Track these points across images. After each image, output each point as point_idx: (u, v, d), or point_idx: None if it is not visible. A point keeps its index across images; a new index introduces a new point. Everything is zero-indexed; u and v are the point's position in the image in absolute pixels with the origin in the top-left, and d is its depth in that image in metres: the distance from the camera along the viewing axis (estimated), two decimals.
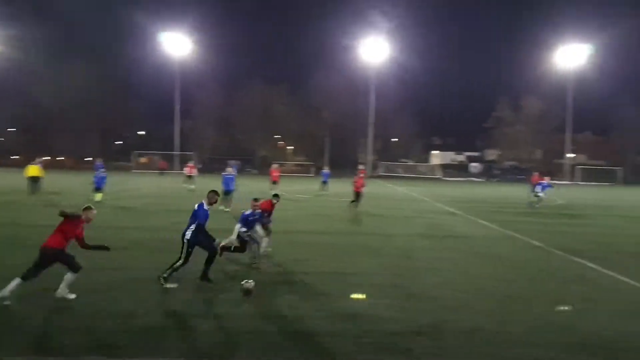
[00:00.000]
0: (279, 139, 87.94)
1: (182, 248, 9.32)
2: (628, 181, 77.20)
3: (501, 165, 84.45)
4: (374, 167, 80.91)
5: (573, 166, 79.28)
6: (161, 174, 55.29)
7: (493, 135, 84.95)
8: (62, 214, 8.25)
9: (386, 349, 6.79)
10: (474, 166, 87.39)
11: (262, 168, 75.84)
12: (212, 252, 9.61)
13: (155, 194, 29.84)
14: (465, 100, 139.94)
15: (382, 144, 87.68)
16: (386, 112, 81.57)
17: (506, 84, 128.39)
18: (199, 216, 9.43)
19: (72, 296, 8.30)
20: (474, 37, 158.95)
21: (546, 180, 29.30)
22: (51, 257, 8.09)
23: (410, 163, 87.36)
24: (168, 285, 9.14)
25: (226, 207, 21.41)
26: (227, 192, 22.35)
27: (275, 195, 13.69)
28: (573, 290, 10.04)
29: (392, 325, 7.64)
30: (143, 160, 77.77)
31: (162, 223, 17.02)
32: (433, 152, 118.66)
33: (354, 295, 9.18)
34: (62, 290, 8.27)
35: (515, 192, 45.47)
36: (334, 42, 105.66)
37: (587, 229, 19.95)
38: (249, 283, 9.04)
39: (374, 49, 74.23)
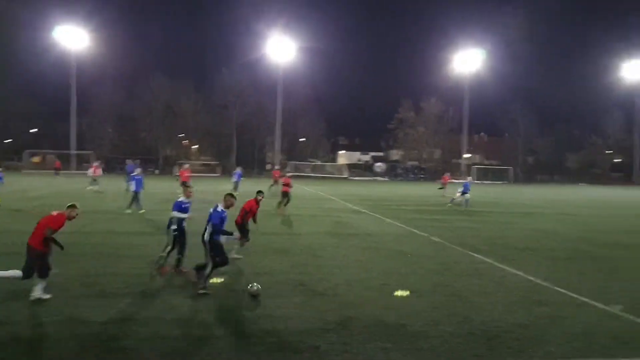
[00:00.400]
0: (183, 138, 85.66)
1: (205, 253, 9.31)
2: (518, 179, 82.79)
3: (404, 165, 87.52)
4: (282, 166, 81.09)
5: (469, 166, 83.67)
6: (56, 174, 52.12)
7: (396, 136, 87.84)
8: None
9: (293, 347, 6.82)
10: (379, 166, 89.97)
11: (165, 168, 73.63)
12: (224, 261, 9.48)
13: (51, 195, 28.06)
14: (371, 102, 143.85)
15: (290, 144, 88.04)
16: (294, 111, 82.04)
17: (409, 86, 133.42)
18: (212, 218, 9.37)
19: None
20: (379, 39, 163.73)
21: (468, 180, 31.13)
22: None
23: (318, 163, 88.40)
24: (203, 292, 9.01)
25: (130, 209, 20.61)
26: (136, 194, 21.51)
27: (260, 192, 13.19)
28: (469, 283, 10.58)
29: (299, 324, 7.68)
30: (36, 159, 72.90)
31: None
32: (340, 152, 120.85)
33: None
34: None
35: (417, 190, 47.35)
36: (241, 40, 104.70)
37: (482, 225, 21.11)
38: (255, 287, 9.00)
39: (282, 48, 74.41)
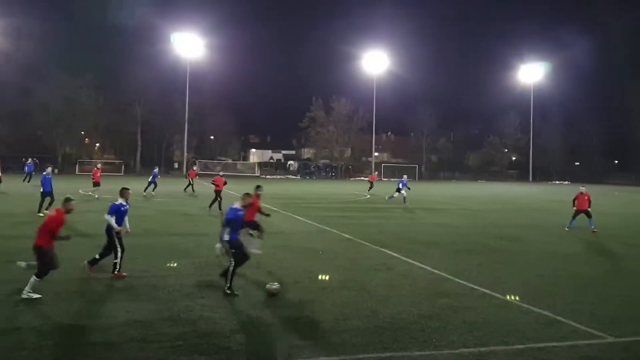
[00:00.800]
0: (84, 136, 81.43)
1: (228, 252, 9.53)
2: (423, 177, 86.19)
3: (316, 163, 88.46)
4: (190, 165, 79.38)
5: (378, 164, 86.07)
6: None
7: (308, 135, 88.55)
8: None
9: (202, 350, 6.68)
10: (291, 164, 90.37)
11: (64, 167, 69.72)
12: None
13: None
14: (283, 100, 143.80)
15: (199, 142, 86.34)
16: (202, 108, 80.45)
17: (320, 86, 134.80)
18: (227, 215, 9.70)
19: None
20: (290, 37, 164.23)
21: (404, 178, 32.18)
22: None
23: (229, 161, 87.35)
24: (234, 292, 9.10)
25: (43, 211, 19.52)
26: (46, 194, 20.31)
27: (258, 187, 13.38)
28: (377, 277, 10.87)
29: (207, 326, 7.55)
30: None
31: None
32: (251, 150, 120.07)
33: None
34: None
35: (328, 188, 48.01)
36: (147, 35, 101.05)
37: (390, 221, 21.76)
38: (274, 286, 9.08)
39: (189, 44, 72.75)
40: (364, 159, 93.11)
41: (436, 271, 11.58)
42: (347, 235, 16.66)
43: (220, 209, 22.27)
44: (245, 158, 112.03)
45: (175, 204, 27.23)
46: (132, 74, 73.19)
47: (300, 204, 29.35)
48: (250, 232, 12.12)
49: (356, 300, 9.07)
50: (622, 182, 79.26)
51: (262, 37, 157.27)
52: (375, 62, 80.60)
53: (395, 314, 8.27)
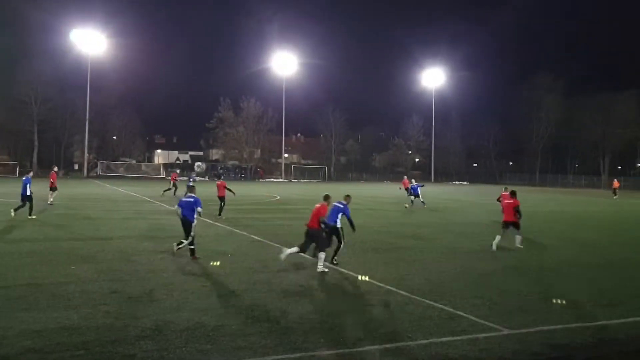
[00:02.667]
0: None
1: (337, 235, 12.65)
2: (332, 178, 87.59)
3: (224, 164, 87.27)
4: (92, 166, 75.63)
5: (288, 165, 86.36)
6: None
7: (216, 135, 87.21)
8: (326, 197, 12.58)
9: (106, 358, 6.35)
10: (199, 165, 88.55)
11: None
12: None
13: None
14: (190, 100, 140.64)
15: (100, 142, 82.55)
16: (104, 107, 77.01)
17: (229, 86, 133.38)
18: (344, 211, 12.98)
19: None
20: (197, 36, 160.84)
21: (414, 182, 32.01)
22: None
23: (133, 162, 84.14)
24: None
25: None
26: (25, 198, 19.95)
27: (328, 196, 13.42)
28: (287, 278, 10.87)
29: (111, 333, 7.19)
30: None
31: None
32: (157, 151, 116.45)
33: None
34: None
35: (237, 190, 47.41)
36: (44, 30, 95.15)
37: (300, 222, 21.82)
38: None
39: (90, 41, 69.33)
40: (273, 160, 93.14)
41: (345, 271, 11.77)
42: (256, 237, 16.55)
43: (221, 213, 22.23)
44: (150, 159, 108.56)
45: (76, 207, 25.83)
46: (27, 69, 68.63)
47: (208, 206, 28.78)
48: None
49: (265, 301, 9.01)
50: (516, 183, 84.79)
51: (168, 36, 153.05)
52: (284, 64, 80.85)
53: (305, 314, 8.30)
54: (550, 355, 6.89)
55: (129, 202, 30.35)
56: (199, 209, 13.16)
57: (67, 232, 17.28)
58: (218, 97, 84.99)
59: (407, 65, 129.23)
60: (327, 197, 13.10)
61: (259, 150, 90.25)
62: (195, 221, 12.92)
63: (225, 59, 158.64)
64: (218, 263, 12.16)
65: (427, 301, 9.32)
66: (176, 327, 7.55)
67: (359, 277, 11.08)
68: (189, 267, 11.80)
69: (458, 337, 7.44)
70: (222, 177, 26.46)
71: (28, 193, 20.00)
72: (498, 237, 15.29)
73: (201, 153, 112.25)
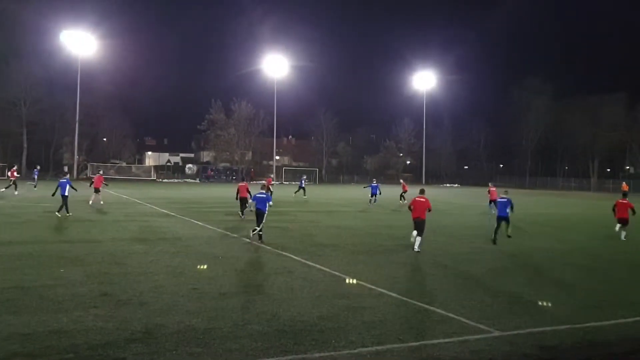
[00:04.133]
0: None
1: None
2: (324, 180, 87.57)
3: (215, 167, 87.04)
4: (82, 168, 75.16)
5: (280, 167, 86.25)
6: None
7: (207, 137, 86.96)
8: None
9: None
10: (189, 167, 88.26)
11: None
12: None
13: None
14: (181, 102, 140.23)
15: (91, 144, 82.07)
16: (95, 109, 76.57)
17: (220, 88, 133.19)
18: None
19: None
20: (188, 37, 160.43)
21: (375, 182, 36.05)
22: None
23: (123, 164, 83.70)
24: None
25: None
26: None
27: (422, 191, 17.17)
28: (278, 281, 10.85)
29: (101, 336, 7.14)
30: None
31: None
32: (147, 153, 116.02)
33: None
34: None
35: (228, 192, 47.35)
36: (33, 31, 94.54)
37: (291, 224, 21.84)
38: None
39: (80, 41, 68.92)
40: (265, 162, 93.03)
41: (336, 273, 11.77)
42: (247, 240, 16.50)
43: (243, 213, 22.82)
44: (141, 161, 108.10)
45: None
46: (16, 70, 68.12)
47: (199, 208, 28.73)
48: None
49: (256, 304, 8.99)
50: (507, 185, 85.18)
51: (159, 37, 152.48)
52: (275, 66, 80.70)
53: (296, 317, 8.29)
54: (539, 357, 6.92)
55: (119, 203, 30.18)
56: (270, 202, 17.26)
57: (57, 234, 17.17)
58: (209, 99, 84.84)
59: (398, 68, 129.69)
60: (422, 192, 16.89)
61: (250, 153, 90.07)
62: (266, 212, 16.53)
63: (216, 61, 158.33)
64: (205, 267, 12.14)
65: (419, 303, 9.34)
66: (167, 330, 7.51)
67: (347, 280, 11.09)
68: (179, 269, 11.75)
69: (449, 339, 7.46)
70: (244, 180, 26.25)
71: (66, 193, 21.85)
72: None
73: (192, 155, 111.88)
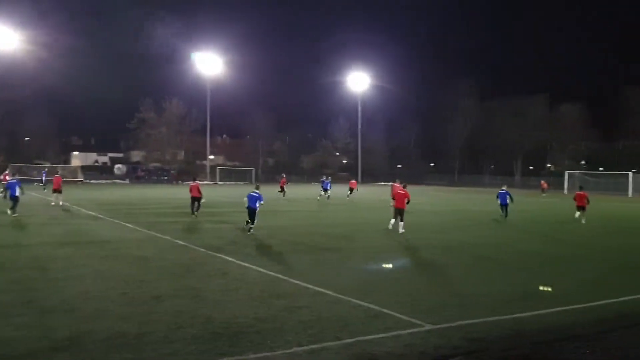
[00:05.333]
0: None
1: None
2: (260, 180, 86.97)
3: (146, 167, 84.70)
4: (0, 170, 71.16)
5: (214, 167, 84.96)
6: None
7: (137, 136, 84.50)
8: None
9: None
10: (119, 168, 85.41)
11: None
12: None
13: None
14: (108, 100, 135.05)
15: (11, 143, 77.88)
16: (14, 106, 72.69)
17: (150, 85, 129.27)
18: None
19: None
20: (118, 33, 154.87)
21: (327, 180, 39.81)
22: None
23: (47, 165, 79.89)
24: None
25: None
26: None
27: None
28: (213, 283, 10.69)
29: (24, 346, 6.79)
30: None
31: None
32: (74, 153, 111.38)
33: None
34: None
35: (160, 193, 46.25)
36: None
37: (225, 225, 21.56)
38: None
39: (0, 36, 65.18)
40: (198, 161, 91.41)
41: (272, 273, 11.72)
42: (180, 242, 16.17)
43: (194, 212, 23.44)
44: (67, 162, 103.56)
45: None
46: None
47: (129, 210, 27.88)
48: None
49: (190, 307, 8.81)
50: (436, 183, 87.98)
51: (87, 32, 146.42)
52: (209, 64, 79.32)
53: (231, 319, 8.19)
54: (468, 348, 7.16)
55: (43, 206, 28.82)
56: (261, 202, 18.58)
57: None
58: (138, 97, 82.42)
59: (333, 67, 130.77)
60: (405, 186, 20.12)
61: (183, 152, 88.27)
62: (258, 209, 18.29)
63: (146, 58, 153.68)
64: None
65: (355, 300, 9.45)
66: (95, 336, 7.23)
67: (284, 280, 11.09)
68: (109, 273, 11.35)
69: (383, 335, 7.59)
70: (195, 180, 26.42)
71: (16, 194, 21.98)
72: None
73: (121, 155, 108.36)
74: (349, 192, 40.24)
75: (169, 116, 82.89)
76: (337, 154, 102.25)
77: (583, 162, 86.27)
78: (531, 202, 41.91)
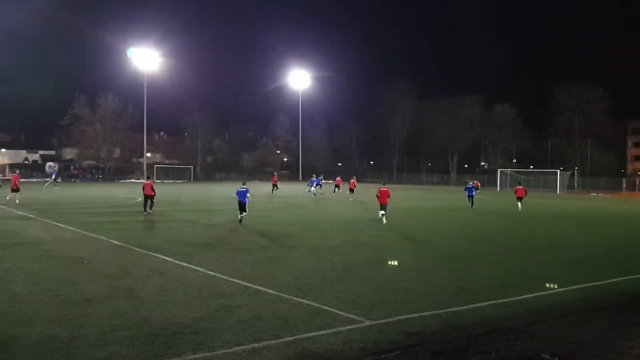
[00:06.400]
0: None
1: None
2: (199, 178, 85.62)
3: (80, 165, 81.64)
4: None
5: (151, 165, 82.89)
6: None
7: (70, 133, 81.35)
8: None
9: None
10: (50, 165, 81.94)
11: None
12: None
13: None
14: (39, 95, 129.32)
15: None
16: None
17: (84, 80, 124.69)
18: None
19: None
20: (49, 26, 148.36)
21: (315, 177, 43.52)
22: None
23: None
24: None
25: None
26: None
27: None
28: (150, 284, 10.45)
29: None
30: None
31: None
32: (1, 150, 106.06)
33: None
34: None
35: (94, 192, 44.75)
36: None
37: (164, 224, 21.13)
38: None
39: None
40: (135, 159, 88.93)
41: (211, 273, 11.58)
42: (116, 242, 15.71)
43: (146, 209, 23.64)
44: None
45: None
46: None
47: (61, 209, 26.82)
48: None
49: (126, 309, 8.58)
50: (376, 181, 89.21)
51: (16, 23, 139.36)
52: (146, 59, 77.13)
53: (169, 320, 8.04)
54: (406, 343, 7.33)
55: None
56: (248, 195, 21.26)
57: None
58: (72, 93, 79.26)
59: (274, 65, 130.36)
60: (384, 184, 23.91)
61: (119, 150, 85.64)
62: (247, 202, 21.08)
63: (80, 52, 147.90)
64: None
65: (295, 298, 9.47)
66: (25, 341, 6.93)
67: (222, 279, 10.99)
68: (41, 275, 10.89)
69: (323, 332, 7.65)
70: (149, 178, 26.76)
71: None
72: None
73: (53, 152, 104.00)
74: (350, 192, 40.53)
75: (104, 112, 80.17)
76: (278, 152, 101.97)
77: (514, 161, 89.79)
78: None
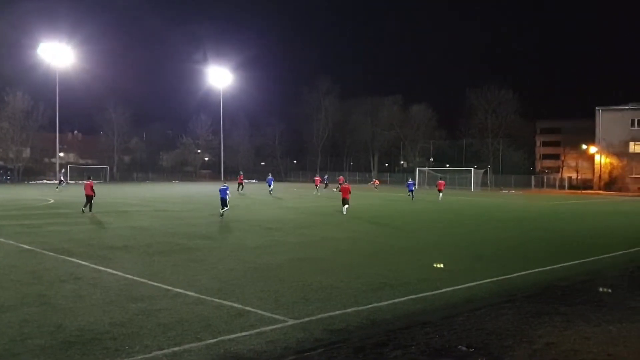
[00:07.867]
0: None
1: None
2: (115, 179, 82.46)
3: None
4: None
5: (64, 165, 78.88)
6: None
7: None
8: None
9: None
10: None
11: None
12: None
13: None
14: None
15: None
16: None
17: None
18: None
19: None
20: None
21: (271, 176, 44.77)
22: None
23: None
24: None
25: None
26: None
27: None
28: (63, 289, 9.99)
29: None
30: None
31: None
32: None
33: None
34: None
35: (2, 193, 42.09)
36: None
37: (77, 227, 20.22)
38: None
39: None
40: (46, 159, 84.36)
41: (129, 276, 11.22)
42: (26, 246, 14.88)
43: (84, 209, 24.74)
44: None
45: None
46: None
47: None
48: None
49: (38, 316, 8.17)
50: (299, 180, 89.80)
51: None
52: (58, 55, 73.07)
53: (84, 326, 7.73)
54: (330, 340, 7.43)
55: None
56: (228, 192, 24.51)
57: None
58: None
59: (195, 62, 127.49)
60: (345, 181, 31.92)
61: (29, 149, 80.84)
62: (228, 198, 24.20)
63: None
64: None
65: (217, 300, 9.37)
66: None
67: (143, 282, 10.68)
68: None
69: (246, 333, 7.62)
70: (89, 178, 27.14)
71: None
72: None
73: None
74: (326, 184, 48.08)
75: (12, 110, 75.38)
76: (199, 151, 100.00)
77: (432, 159, 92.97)
78: (369, 196, 44.32)
